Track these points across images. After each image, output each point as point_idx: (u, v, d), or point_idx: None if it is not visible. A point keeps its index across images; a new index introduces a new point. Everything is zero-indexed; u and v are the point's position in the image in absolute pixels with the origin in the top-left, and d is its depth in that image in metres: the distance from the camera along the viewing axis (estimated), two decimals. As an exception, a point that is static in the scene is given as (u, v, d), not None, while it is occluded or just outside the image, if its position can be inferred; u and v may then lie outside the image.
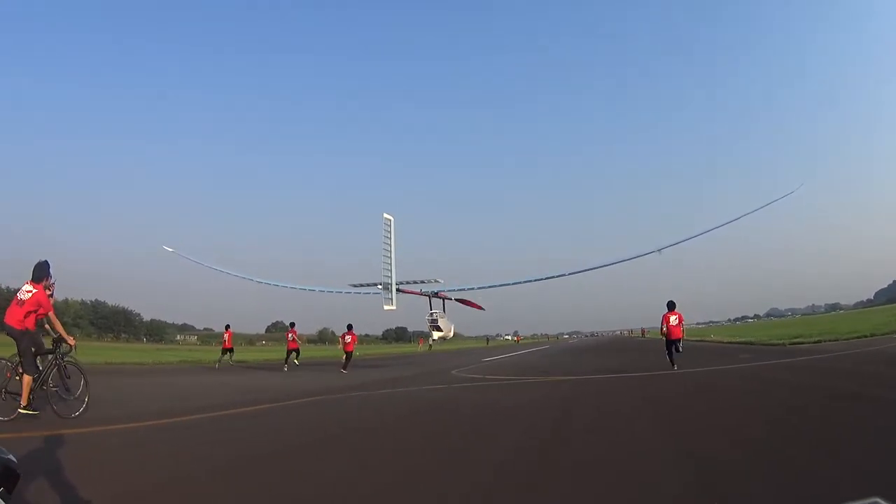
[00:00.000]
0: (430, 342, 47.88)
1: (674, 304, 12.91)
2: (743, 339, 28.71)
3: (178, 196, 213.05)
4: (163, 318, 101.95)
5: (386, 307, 18.28)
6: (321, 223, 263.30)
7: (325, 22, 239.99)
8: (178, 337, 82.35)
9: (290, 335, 20.27)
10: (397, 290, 18.79)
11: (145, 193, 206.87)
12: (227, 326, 21.73)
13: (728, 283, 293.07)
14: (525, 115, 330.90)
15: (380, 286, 18.86)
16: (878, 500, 1.00)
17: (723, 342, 30.69)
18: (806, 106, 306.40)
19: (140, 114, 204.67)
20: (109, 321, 73.40)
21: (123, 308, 77.53)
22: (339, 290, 22.59)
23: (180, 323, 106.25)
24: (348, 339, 18.31)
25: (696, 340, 35.61)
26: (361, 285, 20.37)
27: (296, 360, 19.66)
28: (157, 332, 78.94)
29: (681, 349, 12.81)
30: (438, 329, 18.84)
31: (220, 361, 20.20)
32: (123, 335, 72.85)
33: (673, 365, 12.46)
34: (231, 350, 21.08)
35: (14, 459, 1.10)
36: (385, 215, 19.44)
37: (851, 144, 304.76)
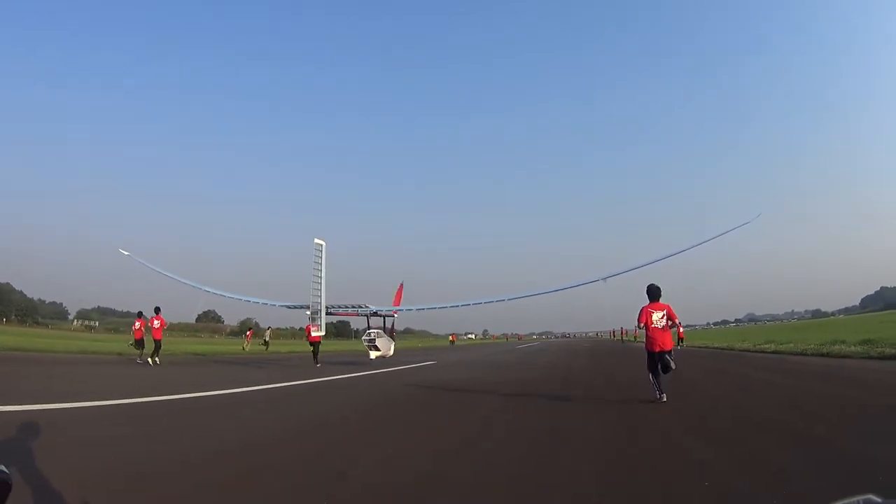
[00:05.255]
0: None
1: (658, 290, 8.01)
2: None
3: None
4: (100, 303, 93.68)
5: (314, 332, 19.66)
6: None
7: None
8: (75, 323, 72.84)
9: (137, 324, 17.00)
10: (328, 312, 19.45)
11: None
12: (157, 310, 17.54)
13: (704, 286, 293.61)
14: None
15: (308, 311, 18.92)
16: (872, 496, 0.95)
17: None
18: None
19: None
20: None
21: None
22: (272, 302, 23.59)
23: (104, 306, 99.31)
24: (314, 331, 18.08)
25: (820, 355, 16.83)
26: (295, 306, 21.48)
27: (149, 357, 16.09)
28: (30, 312, 69.34)
29: (672, 366, 7.58)
30: (377, 349, 19.13)
31: (154, 354, 16.40)
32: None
33: (659, 395, 7.54)
34: (158, 341, 16.94)
35: (6, 470, 1.03)
36: (316, 240, 18.86)
37: (837, 149, 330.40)
